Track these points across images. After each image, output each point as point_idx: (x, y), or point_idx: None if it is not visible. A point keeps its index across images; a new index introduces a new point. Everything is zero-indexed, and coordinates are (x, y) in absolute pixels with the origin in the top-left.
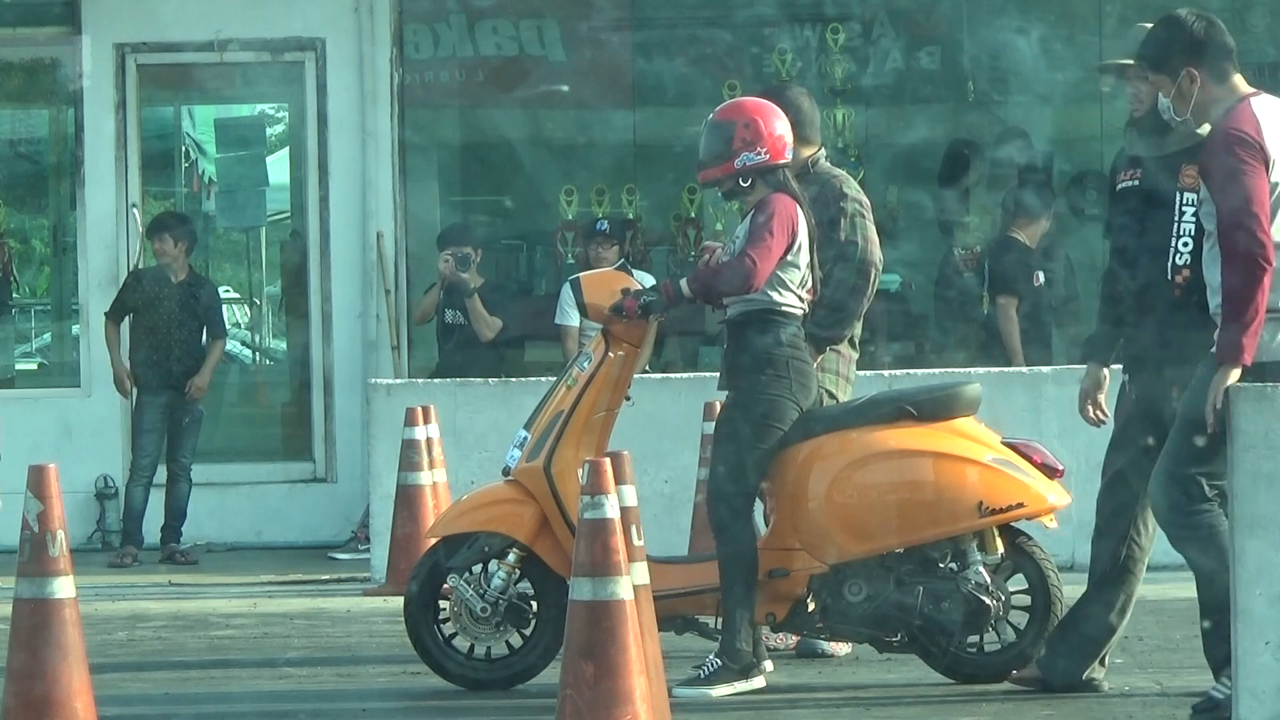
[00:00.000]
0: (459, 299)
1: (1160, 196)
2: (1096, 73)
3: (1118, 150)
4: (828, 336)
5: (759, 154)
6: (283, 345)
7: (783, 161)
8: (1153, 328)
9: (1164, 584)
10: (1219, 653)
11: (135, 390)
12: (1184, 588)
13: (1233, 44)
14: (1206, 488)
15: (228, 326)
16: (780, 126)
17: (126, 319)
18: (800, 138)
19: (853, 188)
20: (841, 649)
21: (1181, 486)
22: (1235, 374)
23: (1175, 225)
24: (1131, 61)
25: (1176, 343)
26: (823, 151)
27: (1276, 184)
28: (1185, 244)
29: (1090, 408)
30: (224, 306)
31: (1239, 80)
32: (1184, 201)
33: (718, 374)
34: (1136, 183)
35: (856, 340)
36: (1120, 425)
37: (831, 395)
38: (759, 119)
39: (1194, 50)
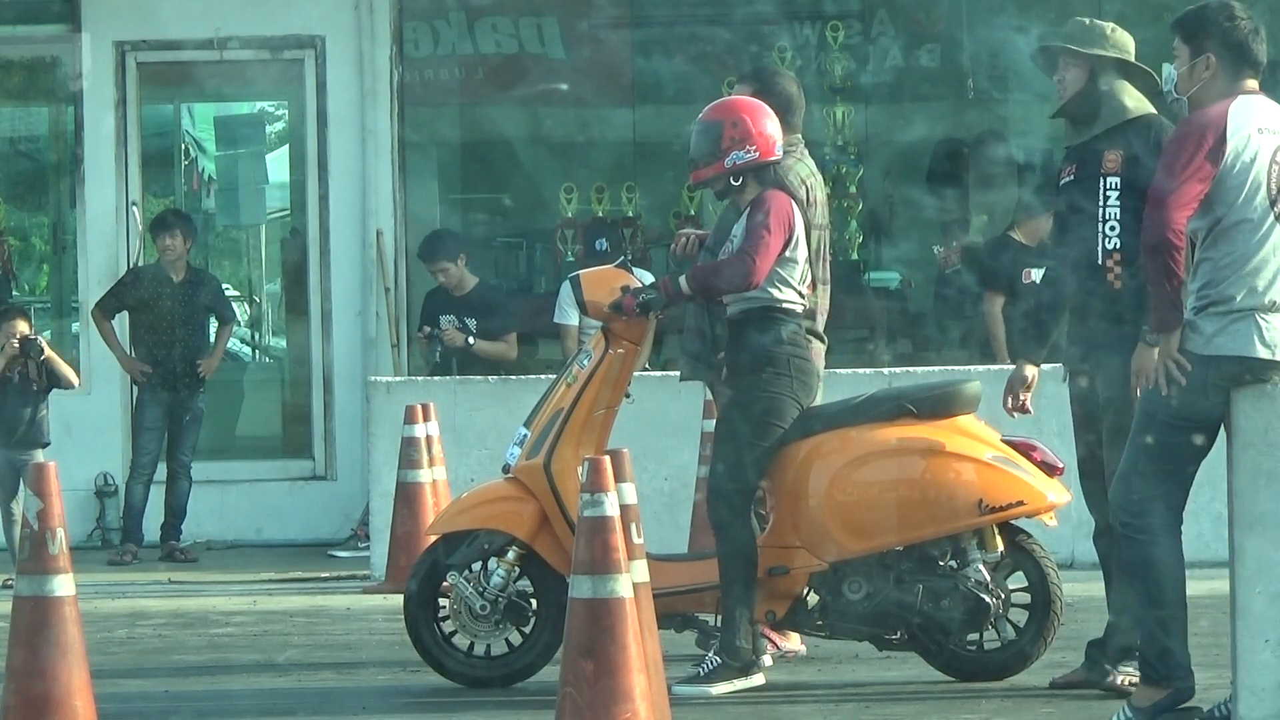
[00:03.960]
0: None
1: (1091, 185)
2: (1030, 59)
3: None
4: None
5: (749, 152)
6: (282, 343)
7: (773, 158)
8: (1093, 317)
9: None
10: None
11: (136, 388)
12: (1191, 585)
13: (1263, 59)
14: (1162, 506)
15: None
16: (769, 124)
17: (120, 316)
18: (786, 125)
19: (802, 171)
20: (790, 645)
21: (1134, 487)
22: (1174, 341)
23: (1100, 210)
24: (1071, 45)
25: (1117, 331)
26: (797, 139)
27: (1229, 171)
28: (1112, 228)
29: (1009, 399)
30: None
31: (1249, 85)
32: (1107, 185)
33: (688, 367)
34: (1073, 178)
35: (822, 332)
36: (1077, 422)
37: None
38: (747, 117)
39: (1228, 43)
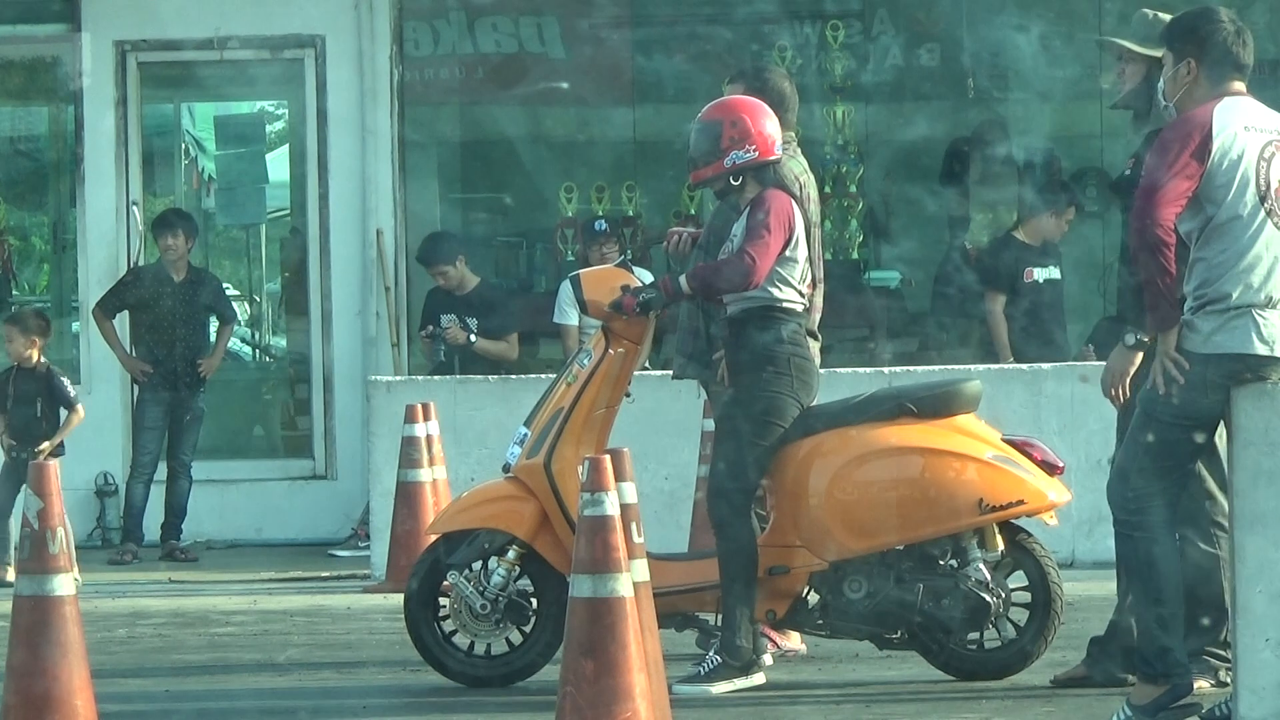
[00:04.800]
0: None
1: (1129, 186)
2: (1096, 46)
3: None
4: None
5: (748, 151)
6: (283, 342)
7: (773, 158)
8: (1116, 315)
9: None
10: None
11: (136, 387)
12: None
13: (1248, 61)
14: (1160, 503)
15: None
16: (769, 124)
17: (120, 316)
18: (780, 121)
19: (794, 168)
20: (790, 644)
21: (1132, 484)
22: (1172, 339)
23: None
24: (1130, 45)
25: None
26: (792, 136)
27: (1217, 168)
28: None
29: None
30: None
31: (1235, 88)
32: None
33: (680, 365)
34: (1129, 171)
35: (816, 329)
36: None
37: None
38: (746, 116)
39: (1206, 47)
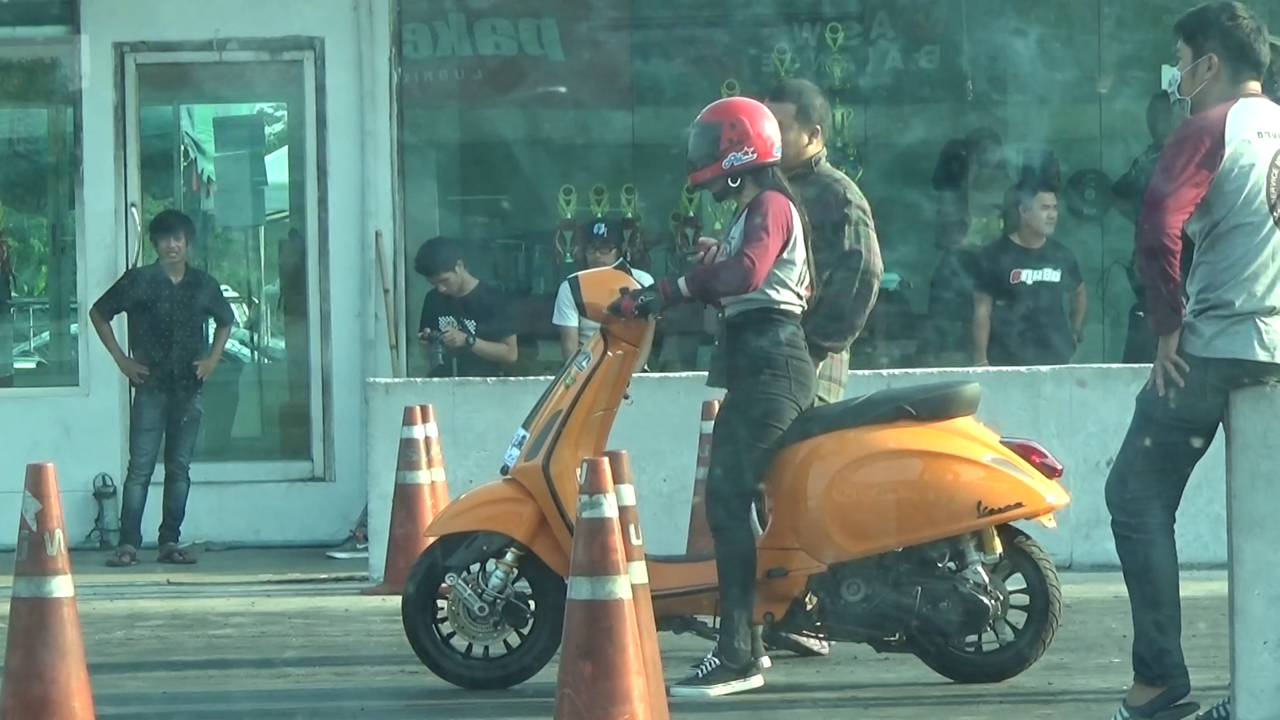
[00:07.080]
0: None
1: None
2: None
3: None
4: (829, 346)
5: (747, 153)
6: (281, 344)
7: (771, 160)
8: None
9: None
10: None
11: (134, 389)
12: (1189, 587)
13: (1264, 60)
14: (1157, 506)
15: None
16: (767, 126)
17: (118, 317)
18: (812, 132)
19: (855, 193)
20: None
21: (1130, 487)
22: (1173, 342)
23: None
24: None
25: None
26: (824, 151)
27: (1226, 175)
28: None
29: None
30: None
31: (1251, 88)
32: None
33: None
34: None
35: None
36: None
37: (820, 398)
38: (745, 118)
39: (1229, 43)
